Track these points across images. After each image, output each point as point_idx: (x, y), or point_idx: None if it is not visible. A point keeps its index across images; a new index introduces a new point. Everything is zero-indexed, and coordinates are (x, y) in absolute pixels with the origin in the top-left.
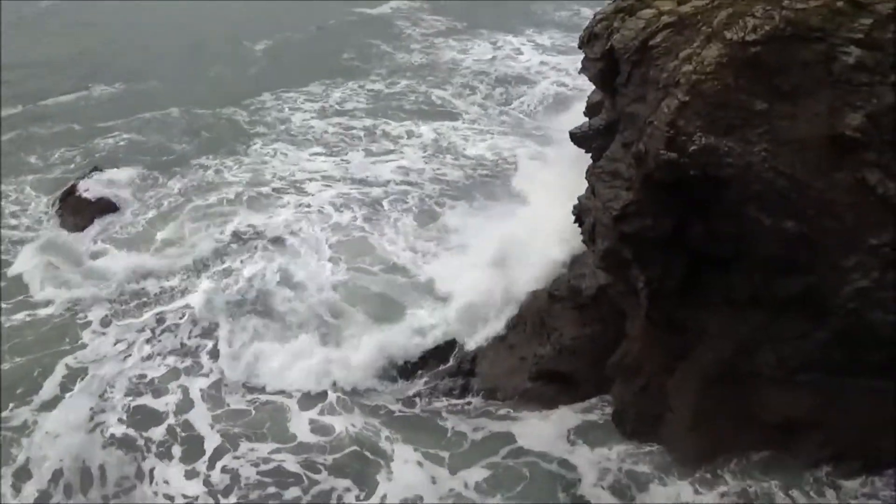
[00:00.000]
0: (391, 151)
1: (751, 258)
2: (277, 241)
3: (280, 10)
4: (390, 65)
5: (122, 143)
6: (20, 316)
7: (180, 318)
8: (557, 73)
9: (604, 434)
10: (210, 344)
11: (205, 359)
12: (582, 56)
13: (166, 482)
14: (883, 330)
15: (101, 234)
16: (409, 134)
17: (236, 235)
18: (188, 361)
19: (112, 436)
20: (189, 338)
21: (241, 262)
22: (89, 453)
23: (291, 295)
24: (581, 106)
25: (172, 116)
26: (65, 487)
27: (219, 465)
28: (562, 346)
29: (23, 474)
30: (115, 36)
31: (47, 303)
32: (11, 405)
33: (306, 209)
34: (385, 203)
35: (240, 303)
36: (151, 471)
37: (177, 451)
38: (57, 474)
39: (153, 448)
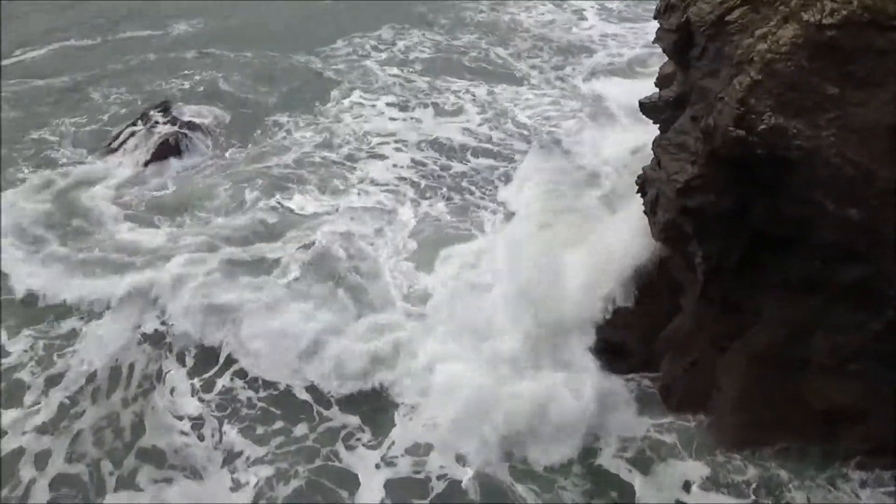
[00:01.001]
0: (457, 111)
1: (811, 243)
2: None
3: None
4: (455, 17)
5: (196, 84)
6: None
7: None
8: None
9: (644, 406)
10: None
11: None
12: (652, 27)
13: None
14: None
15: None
16: (468, 92)
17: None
18: None
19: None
20: None
21: None
22: (123, 353)
23: None
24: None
25: (247, 59)
26: (93, 392)
27: None
28: (620, 316)
29: (55, 380)
30: None
31: None
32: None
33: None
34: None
35: None
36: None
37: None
38: (91, 377)
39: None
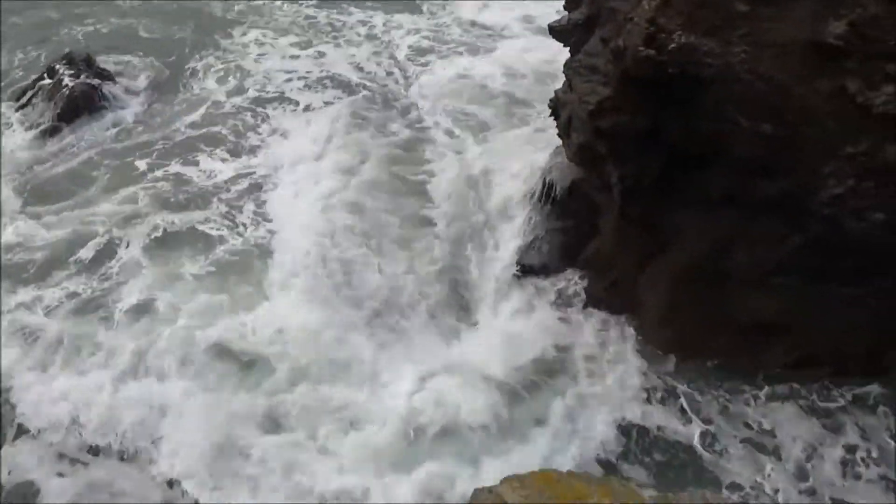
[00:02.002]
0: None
1: (728, 159)
2: None
3: None
4: None
5: (101, 33)
6: None
7: None
8: None
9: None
10: None
11: None
12: None
13: None
14: (856, 237)
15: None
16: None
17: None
18: None
19: None
20: None
21: None
22: None
23: None
24: None
25: (153, 5)
26: None
27: None
28: (535, 237)
29: None
30: None
31: None
32: None
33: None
34: None
35: None
36: None
37: None
38: None
39: None
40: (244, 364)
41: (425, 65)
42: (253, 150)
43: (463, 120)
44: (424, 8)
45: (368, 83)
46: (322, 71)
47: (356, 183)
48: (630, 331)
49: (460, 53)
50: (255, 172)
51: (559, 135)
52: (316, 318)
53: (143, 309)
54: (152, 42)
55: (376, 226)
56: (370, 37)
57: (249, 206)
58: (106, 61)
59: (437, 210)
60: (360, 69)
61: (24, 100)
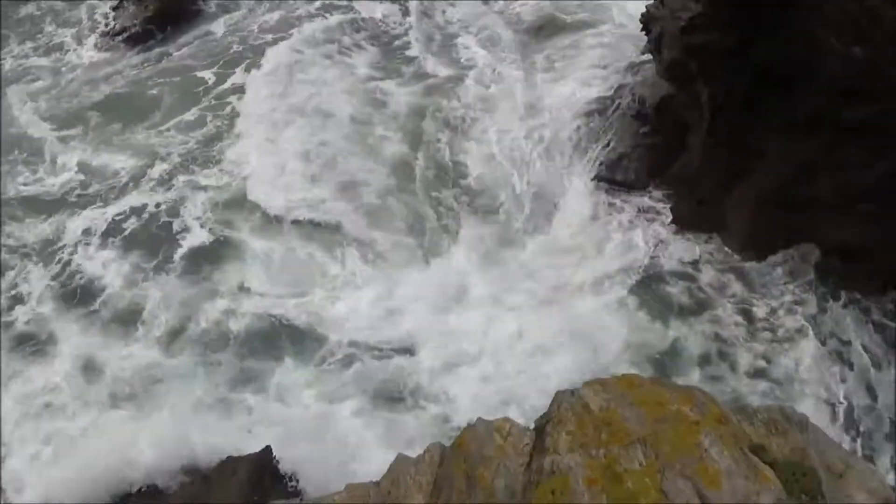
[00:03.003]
0: None
1: (816, 81)
2: None
3: None
4: None
5: None
6: None
7: None
8: None
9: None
10: None
11: None
12: None
13: None
14: None
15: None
16: None
17: None
18: None
19: None
20: None
21: None
22: None
23: None
24: None
25: None
26: None
27: None
28: (621, 153)
29: None
30: None
31: None
32: None
33: None
34: None
35: None
36: None
37: None
38: None
39: None
40: None
41: None
42: None
43: None
44: None
45: None
46: None
47: None
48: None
49: None
50: None
51: (650, 50)
52: None
53: None
54: None
55: None
56: None
57: None
58: None
59: None
60: None
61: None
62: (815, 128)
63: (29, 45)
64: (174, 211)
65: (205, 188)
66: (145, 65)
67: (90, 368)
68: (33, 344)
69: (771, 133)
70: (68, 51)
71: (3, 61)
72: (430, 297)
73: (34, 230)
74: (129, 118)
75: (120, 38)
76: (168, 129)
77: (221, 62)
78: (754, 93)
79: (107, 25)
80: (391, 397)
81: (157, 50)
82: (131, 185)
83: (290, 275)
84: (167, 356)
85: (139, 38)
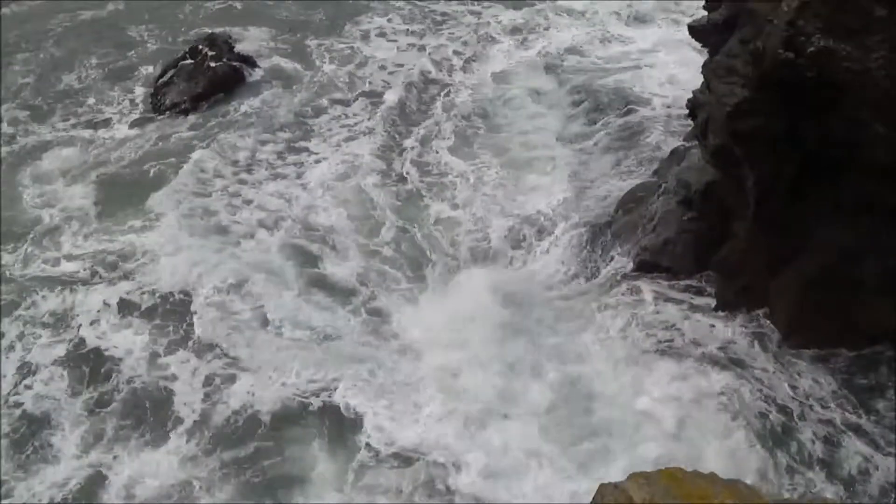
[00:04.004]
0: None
1: (862, 165)
2: None
3: None
4: None
5: (232, 9)
6: None
7: None
8: None
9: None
10: None
11: None
12: None
13: None
14: None
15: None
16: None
17: None
18: None
19: None
20: None
21: None
22: None
23: None
24: None
25: None
26: None
27: None
28: (666, 239)
29: None
30: None
31: None
32: None
33: None
34: None
35: None
36: None
37: None
38: None
39: None
40: None
41: None
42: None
43: None
44: None
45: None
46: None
47: None
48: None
49: None
50: None
51: (696, 136)
52: None
53: None
54: (285, 23)
55: None
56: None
57: None
58: (240, 36)
59: None
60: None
61: (165, 77)
62: (862, 212)
63: (69, 118)
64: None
65: None
66: (186, 141)
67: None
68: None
69: (817, 218)
70: (109, 125)
71: (37, 132)
72: None
73: (46, 305)
74: (158, 195)
75: (168, 113)
76: None
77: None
78: (800, 178)
79: (155, 100)
80: None
81: (199, 129)
82: (150, 261)
83: None
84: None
85: (186, 113)
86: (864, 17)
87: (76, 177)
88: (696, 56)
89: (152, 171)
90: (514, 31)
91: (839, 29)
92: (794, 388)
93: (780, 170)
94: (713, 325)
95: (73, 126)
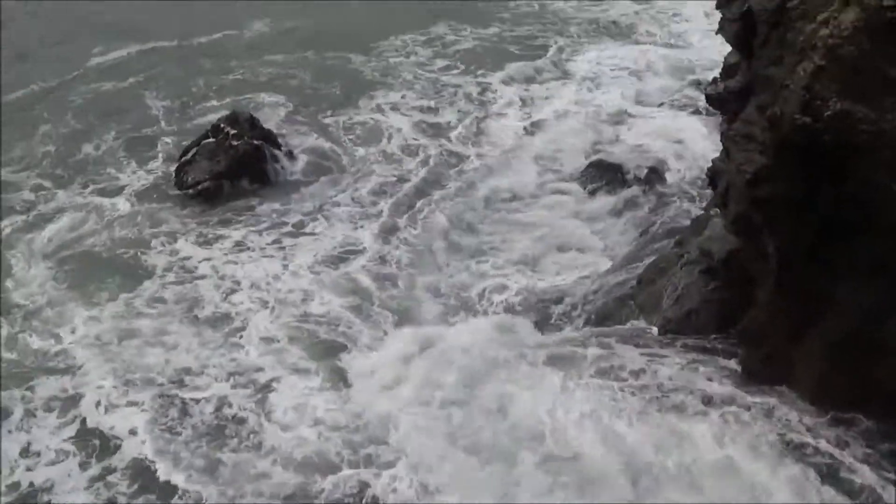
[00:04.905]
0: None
1: (880, 225)
2: None
3: None
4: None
5: (248, 82)
6: None
7: None
8: None
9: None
10: None
11: None
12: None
13: None
14: None
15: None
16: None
17: None
18: None
19: None
20: None
21: None
22: None
23: None
24: None
25: (307, 59)
26: None
27: None
28: (689, 309)
29: None
30: None
31: None
32: None
33: None
34: None
35: None
36: None
37: None
38: None
39: None
40: None
41: None
42: None
43: None
44: None
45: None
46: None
47: None
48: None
49: None
50: None
51: (716, 205)
52: None
53: None
54: (301, 95)
55: None
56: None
57: None
58: (258, 106)
59: None
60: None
61: (188, 156)
62: (880, 272)
63: (88, 185)
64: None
65: None
66: (195, 221)
67: None
68: None
69: (837, 280)
70: (124, 197)
71: (54, 199)
72: None
73: (47, 389)
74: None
75: (189, 192)
76: None
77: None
78: (820, 241)
79: (178, 178)
80: None
81: (219, 217)
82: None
83: None
84: None
85: (207, 196)
86: (879, 79)
87: (78, 251)
88: (710, 126)
89: (153, 251)
90: (523, 103)
91: (855, 91)
92: (817, 450)
93: (799, 234)
94: (737, 389)
95: (89, 195)
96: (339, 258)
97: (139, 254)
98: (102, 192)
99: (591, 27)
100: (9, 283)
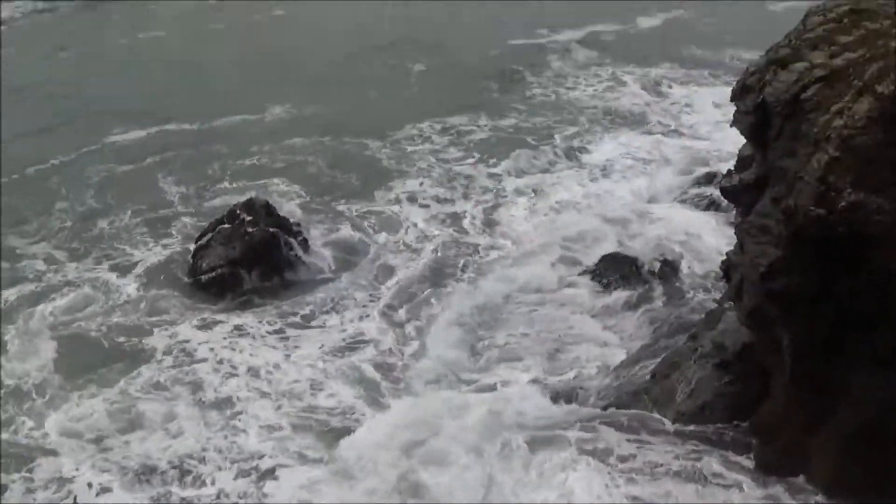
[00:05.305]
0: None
1: (894, 315)
2: None
3: (441, 34)
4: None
5: (265, 167)
6: None
7: None
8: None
9: None
10: None
11: None
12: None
13: None
14: None
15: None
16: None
17: None
18: None
19: None
20: None
21: None
22: None
23: None
24: None
25: (324, 145)
26: None
27: None
28: (703, 402)
29: None
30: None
31: None
32: None
33: None
34: None
35: None
36: None
37: None
38: None
39: None
40: None
41: None
42: None
43: None
44: None
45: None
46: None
47: None
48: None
49: None
50: None
51: (731, 298)
52: None
53: None
54: (317, 183)
55: None
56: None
57: None
58: (274, 191)
59: None
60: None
61: (203, 240)
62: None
63: (101, 262)
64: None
65: None
66: (212, 320)
67: None
68: None
69: (853, 371)
70: (132, 278)
71: (63, 270)
72: None
73: (43, 472)
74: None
75: (202, 278)
76: None
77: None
78: (835, 332)
79: (194, 263)
80: None
81: (230, 304)
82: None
83: None
84: None
85: (221, 283)
86: (892, 169)
87: (80, 331)
88: (723, 219)
89: (156, 335)
90: (536, 194)
91: (869, 182)
92: None
93: (815, 326)
94: (751, 483)
95: (100, 270)
96: (348, 348)
97: (140, 338)
98: (114, 268)
99: (606, 117)
100: (4, 360)
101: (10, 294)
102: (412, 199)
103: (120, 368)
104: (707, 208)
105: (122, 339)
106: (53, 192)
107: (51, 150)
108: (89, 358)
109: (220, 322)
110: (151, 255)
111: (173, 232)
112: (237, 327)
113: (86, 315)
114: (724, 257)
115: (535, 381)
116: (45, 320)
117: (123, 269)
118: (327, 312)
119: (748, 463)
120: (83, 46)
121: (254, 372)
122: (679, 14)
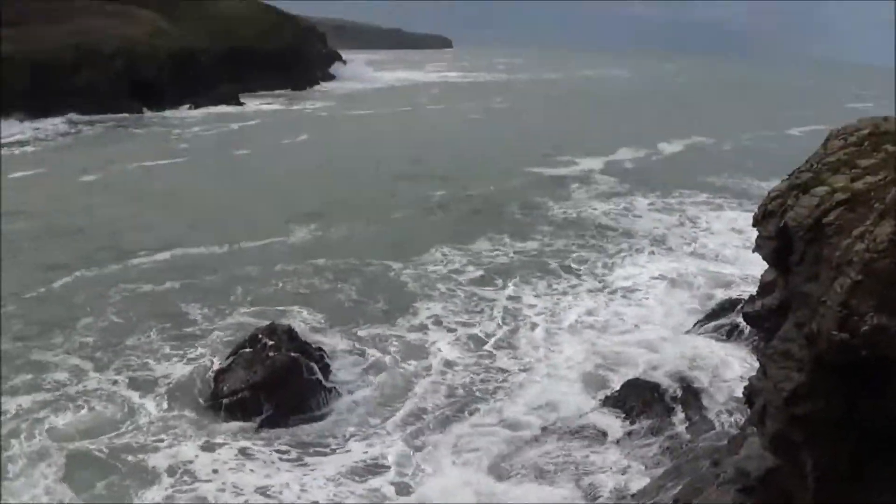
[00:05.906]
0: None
1: None
2: None
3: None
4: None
5: (299, 296)
6: None
7: None
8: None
9: None
10: None
11: None
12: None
13: None
14: None
15: None
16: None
17: None
18: None
19: None
20: None
21: None
22: None
23: None
24: None
25: (350, 266)
26: None
27: None
28: None
29: None
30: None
31: None
32: None
33: None
34: None
35: None
36: None
37: None
38: None
39: None
40: None
41: None
42: None
43: None
44: None
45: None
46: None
47: None
48: None
49: None
50: None
51: (753, 424)
52: None
53: None
54: (340, 309)
55: None
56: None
57: None
58: (296, 318)
59: None
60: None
61: (224, 364)
62: None
63: (120, 374)
64: None
65: None
66: (229, 444)
67: None
68: None
69: (877, 494)
70: (150, 399)
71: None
72: None
73: None
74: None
75: (225, 401)
76: None
77: None
78: (859, 456)
79: (216, 387)
80: None
81: (249, 428)
82: None
83: None
84: None
85: (242, 407)
86: None
87: (89, 449)
88: (746, 345)
89: (166, 459)
90: (558, 318)
91: (891, 305)
92: None
93: (838, 451)
94: None
95: (121, 383)
96: (367, 471)
97: (150, 461)
98: (134, 386)
99: (627, 241)
100: (6, 484)
101: (22, 401)
102: (435, 323)
103: (128, 489)
104: (729, 334)
105: (130, 458)
106: (78, 308)
107: (75, 263)
108: (95, 481)
109: (238, 446)
110: (173, 373)
111: (195, 353)
112: (253, 451)
113: (99, 430)
114: (747, 383)
115: None
116: (58, 435)
117: (144, 387)
118: (347, 438)
119: None
120: (104, 171)
121: (269, 495)
122: (699, 140)
